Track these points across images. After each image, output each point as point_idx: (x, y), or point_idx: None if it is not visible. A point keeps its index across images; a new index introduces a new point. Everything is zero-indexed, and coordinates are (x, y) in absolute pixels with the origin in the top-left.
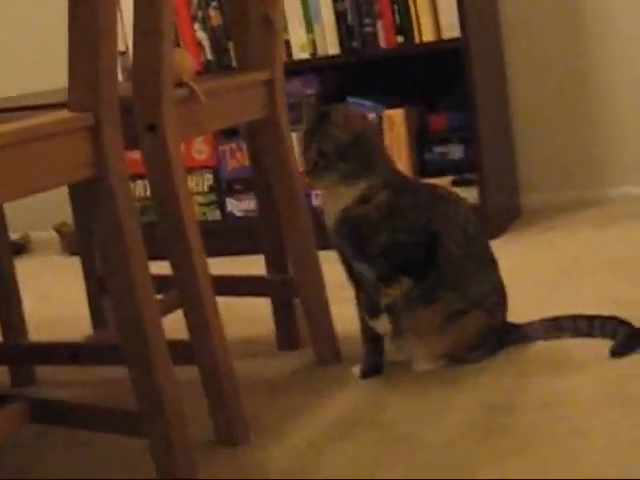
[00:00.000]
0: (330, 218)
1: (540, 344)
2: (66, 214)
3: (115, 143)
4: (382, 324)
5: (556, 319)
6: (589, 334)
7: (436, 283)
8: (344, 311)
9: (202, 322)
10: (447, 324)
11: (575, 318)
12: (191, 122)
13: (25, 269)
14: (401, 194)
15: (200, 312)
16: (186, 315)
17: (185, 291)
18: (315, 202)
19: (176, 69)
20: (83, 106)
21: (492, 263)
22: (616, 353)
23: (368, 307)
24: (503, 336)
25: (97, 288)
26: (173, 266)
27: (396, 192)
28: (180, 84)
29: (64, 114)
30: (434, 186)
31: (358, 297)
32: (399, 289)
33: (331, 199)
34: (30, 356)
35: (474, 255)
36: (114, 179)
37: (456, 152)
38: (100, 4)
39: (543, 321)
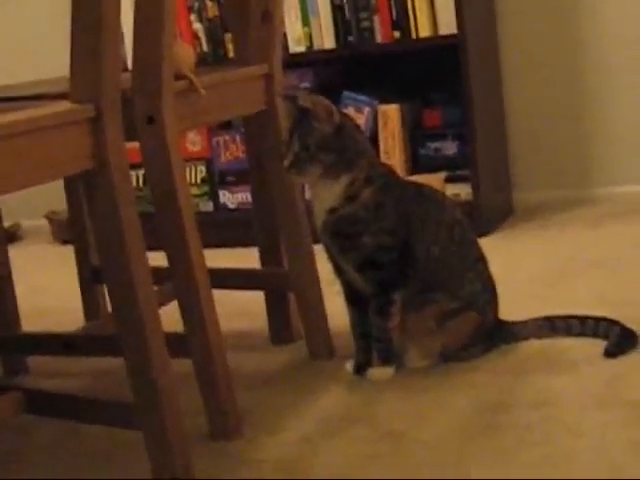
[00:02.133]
0: (318, 217)
1: (533, 343)
2: (57, 202)
3: (116, 135)
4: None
5: (549, 318)
6: (582, 334)
7: (422, 286)
8: (338, 305)
9: (197, 315)
10: (439, 325)
11: (568, 318)
12: (190, 115)
13: (16, 258)
14: (386, 191)
15: (196, 305)
16: (181, 307)
17: (181, 284)
18: (308, 195)
19: (176, 61)
20: (85, 98)
21: (482, 261)
22: (609, 353)
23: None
24: (495, 334)
25: (90, 278)
26: (169, 259)
27: (381, 188)
28: (180, 77)
29: (66, 105)
30: (420, 185)
31: (346, 293)
32: (396, 307)
33: (317, 197)
34: (23, 346)
35: (462, 255)
36: (114, 171)
37: (450, 148)
38: None
39: (536, 320)
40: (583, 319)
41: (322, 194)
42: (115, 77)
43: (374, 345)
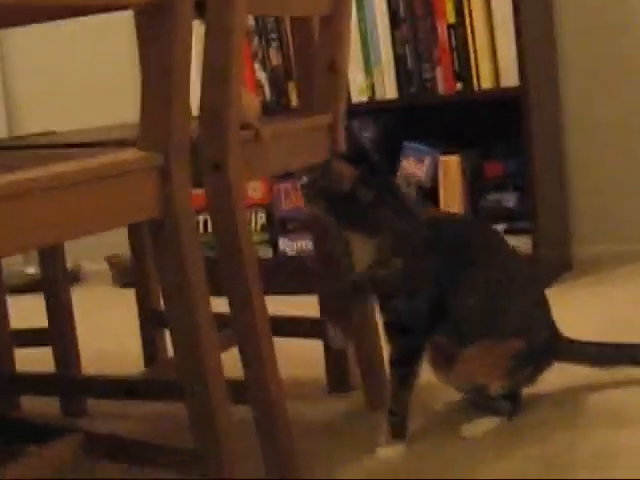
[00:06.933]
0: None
1: (594, 397)
2: (118, 246)
3: (183, 183)
4: None
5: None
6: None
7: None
8: None
9: (258, 362)
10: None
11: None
12: (255, 163)
13: (77, 300)
14: (417, 259)
15: (257, 352)
16: (242, 354)
17: (243, 330)
18: None
19: (242, 110)
20: (154, 146)
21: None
22: None
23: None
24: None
25: (151, 322)
26: (231, 305)
27: (411, 257)
28: (245, 125)
29: (134, 153)
30: (457, 224)
31: None
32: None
33: (355, 249)
34: (84, 389)
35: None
36: (181, 219)
37: (510, 200)
38: (174, 45)
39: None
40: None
41: (359, 249)
42: (184, 126)
43: (388, 419)
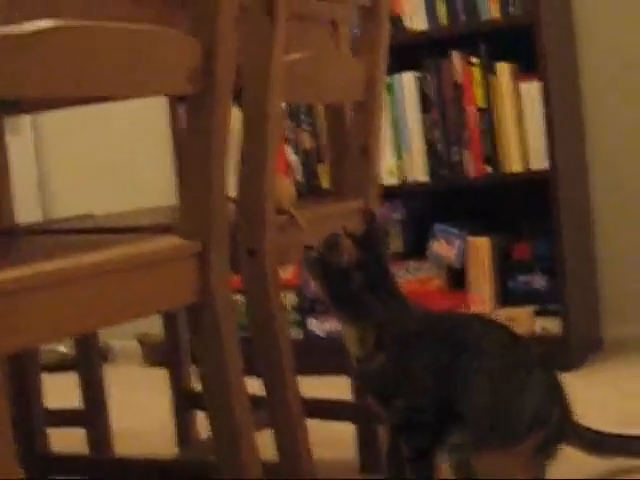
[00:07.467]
0: (352, 359)
1: None
2: (148, 325)
3: (222, 270)
4: None
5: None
6: None
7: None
8: None
9: (291, 444)
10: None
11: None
12: (289, 248)
13: (106, 379)
14: (403, 353)
15: (291, 434)
16: (276, 435)
17: (277, 412)
18: None
19: (277, 196)
20: (192, 233)
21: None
22: None
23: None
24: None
25: (184, 403)
26: (266, 387)
27: (396, 351)
28: (280, 211)
29: (173, 240)
30: (453, 319)
31: None
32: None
33: (347, 339)
34: (118, 470)
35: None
36: (220, 306)
37: (539, 282)
38: (214, 133)
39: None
40: None
41: (347, 336)
42: (223, 212)
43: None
